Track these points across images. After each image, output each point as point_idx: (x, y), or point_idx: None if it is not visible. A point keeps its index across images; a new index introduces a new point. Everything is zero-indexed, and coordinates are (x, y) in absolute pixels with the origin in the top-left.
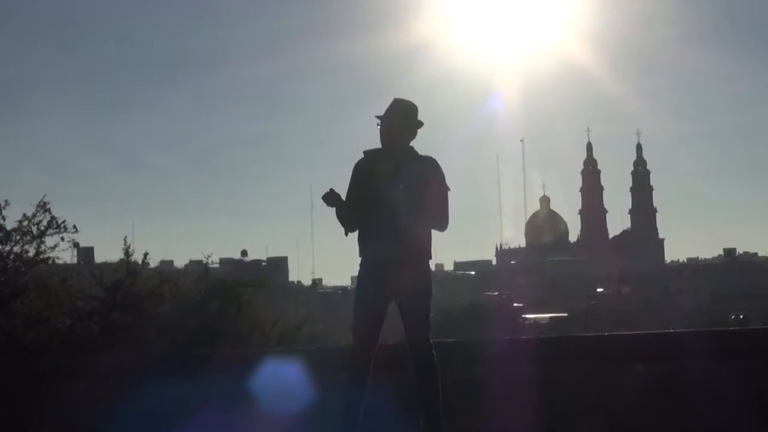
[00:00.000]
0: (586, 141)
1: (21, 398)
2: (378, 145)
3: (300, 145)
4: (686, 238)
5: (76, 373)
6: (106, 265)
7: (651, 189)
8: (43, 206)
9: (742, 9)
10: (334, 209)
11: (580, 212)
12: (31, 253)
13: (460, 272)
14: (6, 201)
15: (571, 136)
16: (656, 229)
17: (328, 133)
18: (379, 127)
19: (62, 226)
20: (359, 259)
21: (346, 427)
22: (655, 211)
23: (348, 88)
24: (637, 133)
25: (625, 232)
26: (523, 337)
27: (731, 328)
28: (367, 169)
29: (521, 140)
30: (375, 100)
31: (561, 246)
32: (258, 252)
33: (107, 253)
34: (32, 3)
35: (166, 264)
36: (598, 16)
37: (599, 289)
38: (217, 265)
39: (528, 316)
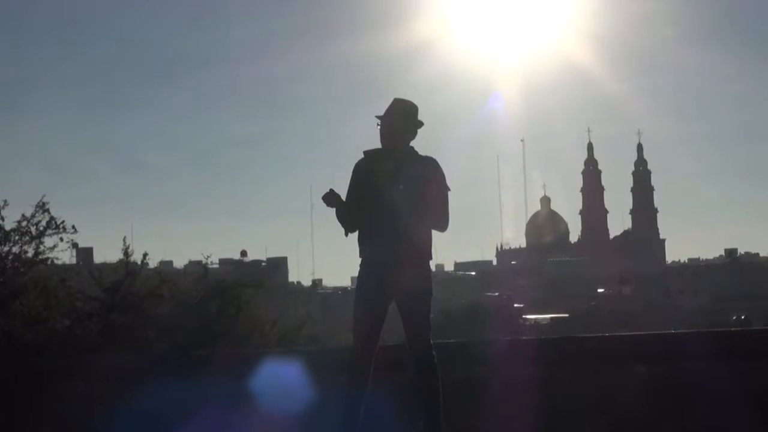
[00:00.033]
0: (587, 141)
1: (20, 399)
2: (378, 145)
3: (300, 145)
4: (687, 239)
5: (75, 374)
6: (105, 266)
7: (652, 189)
8: (42, 206)
9: (743, 9)
10: (334, 209)
11: (581, 212)
12: (30, 254)
13: (460, 273)
14: (5, 201)
15: (571, 136)
16: (657, 229)
17: (328, 133)
18: (379, 127)
19: (61, 226)
20: (359, 260)
21: (346, 427)
22: (656, 211)
23: (348, 88)
24: (638, 133)
25: (626, 233)
26: (524, 337)
27: (732, 329)
28: (367, 169)
29: (521, 140)
30: (375, 100)
31: (561, 246)
32: (258, 252)
33: (106, 253)
34: (32, 3)
35: (166, 264)
36: (598, 16)
37: (600, 290)
38: (216, 266)
39: (528, 316)
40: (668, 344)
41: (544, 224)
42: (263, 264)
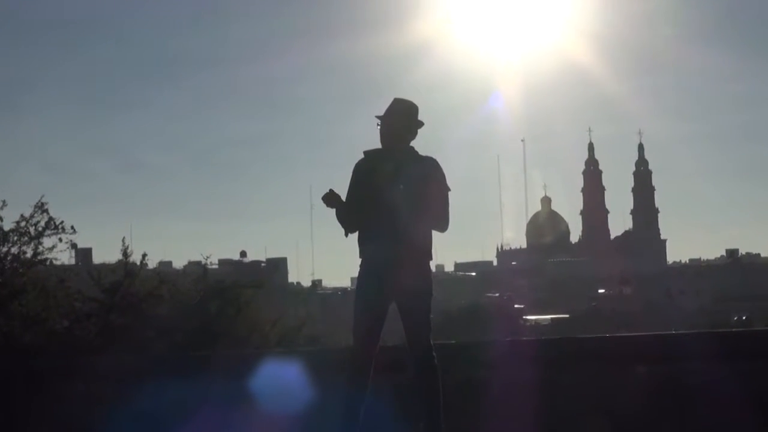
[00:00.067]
0: (588, 141)
1: (19, 399)
2: (378, 145)
3: (300, 146)
4: (688, 239)
5: (74, 375)
6: (104, 266)
7: (653, 189)
8: (40, 207)
9: (744, 9)
10: (334, 210)
11: (582, 213)
12: (29, 254)
13: (460, 273)
14: (3, 201)
15: (572, 136)
16: (658, 229)
17: (328, 133)
18: (379, 127)
19: (60, 226)
20: (359, 260)
21: (346, 428)
22: (657, 211)
23: (348, 88)
24: (639, 133)
25: (626, 233)
26: (524, 338)
27: (733, 330)
28: (367, 170)
29: (522, 140)
30: (375, 100)
31: (562, 247)
32: (257, 253)
33: (105, 254)
34: (32, 3)
35: (165, 265)
36: (599, 16)
37: (601, 290)
38: (216, 266)
39: (529, 317)
40: (669, 345)
41: (545, 224)
42: (263, 264)
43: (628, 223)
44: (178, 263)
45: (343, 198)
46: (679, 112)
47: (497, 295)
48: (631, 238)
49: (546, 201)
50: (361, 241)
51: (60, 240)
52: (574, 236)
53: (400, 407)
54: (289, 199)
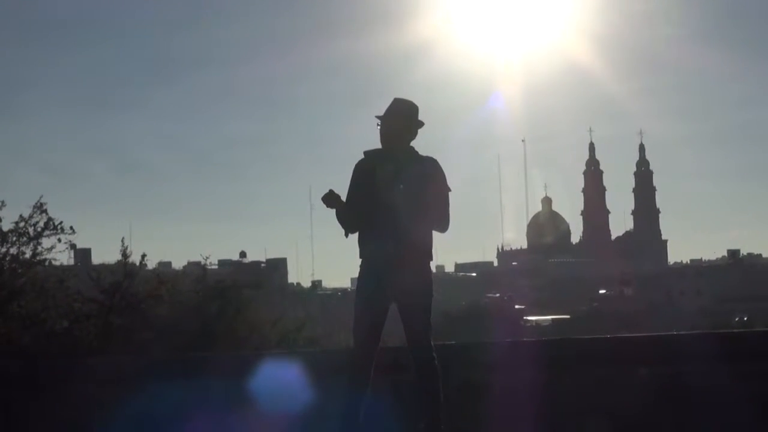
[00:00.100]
0: (589, 141)
1: (18, 401)
2: (378, 145)
3: (300, 146)
4: (689, 240)
5: (73, 376)
6: (103, 267)
7: (654, 190)
8: (39, 207)
9: (745, 9)
10: (334, 210)
11: (582, 213)
12: (28, 255)
13: (461, 274)
14: (2, 202)
15: (573, 136)
16: (659, 230)
17: (328, 133)
18: (379, 127)
19: (59, 227)
20: (359, 261)
21: (346, 428)
22: (658, 212)
23: (348, 88)
24: (640, 133)
25: (627, 233)
26: (525, 339)
27: (735, 330)
28: (367, 170)
29: (522, 140)
30: (375, 100)
31: (563, 247)
32: (257, 253)
33: (105, 254)
34: (32, 3)
35: (164, 265)
36: (599, 16)
37: (601, 291)
38: (215, 267)
39: (529, 318)
40: (670, 346)
41: (546, 225)
42: (262, 265)
43: (629, 224)
44: (178, 264)
45: (343, 198)
46: (680, 112)
47: (498, 295)
48: (632, 238)
49: (547, 201)
50: (362, 242)
51: (59, 240)
52: (575, 237)
53: (400, 407)
54: (289, 200)
